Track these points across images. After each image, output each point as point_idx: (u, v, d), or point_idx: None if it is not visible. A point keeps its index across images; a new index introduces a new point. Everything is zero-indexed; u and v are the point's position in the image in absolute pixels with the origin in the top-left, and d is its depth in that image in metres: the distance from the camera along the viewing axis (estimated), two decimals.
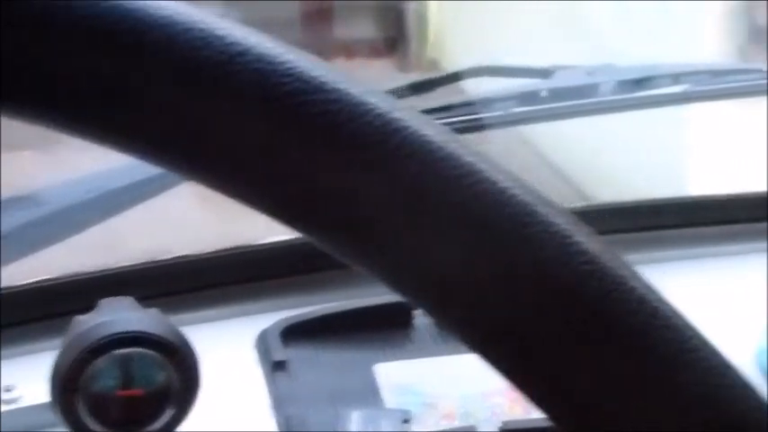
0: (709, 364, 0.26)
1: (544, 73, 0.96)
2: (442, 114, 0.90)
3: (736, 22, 2.20)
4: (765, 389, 1.01)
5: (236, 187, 0.27)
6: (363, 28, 3.38)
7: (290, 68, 0.26)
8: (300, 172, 0.26)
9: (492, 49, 2.81)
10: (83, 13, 0.25)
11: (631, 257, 0.98)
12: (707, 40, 2.25)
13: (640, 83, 0.93)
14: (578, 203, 2.36)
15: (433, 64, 3.18)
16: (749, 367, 0.89)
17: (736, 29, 2.19)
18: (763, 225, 1.04)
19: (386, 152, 0.26)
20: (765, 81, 0.96)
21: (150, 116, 0.26)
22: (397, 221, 0.26)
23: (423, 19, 3.28)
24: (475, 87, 1.00)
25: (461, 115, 0.90)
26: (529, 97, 0.92)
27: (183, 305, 0.89)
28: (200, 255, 0.91)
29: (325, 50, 3.15)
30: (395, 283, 0.27)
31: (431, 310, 0.27)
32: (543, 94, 0.92)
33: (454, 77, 1.00)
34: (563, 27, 2.59)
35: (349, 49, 3.19)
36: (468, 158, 0.26)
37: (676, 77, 0.94)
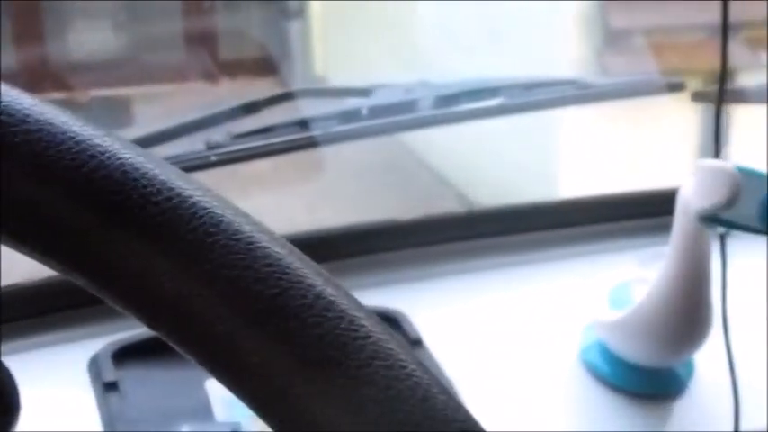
0: (379, 345, 0.29)
1: (364, 92, 0.99)
2: (267, 135, 0.93)
3: (591, 25, 2.27)
4: (589, 386, 1.04)
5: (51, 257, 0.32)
6: (247, 48, 3.39)
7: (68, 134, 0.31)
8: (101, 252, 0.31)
9: (371, 62, 2.84)
10: None
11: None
12: (564, 45, 2.31)
13: (457, 97, 0.97)
14: (458, 207, 2.41)
15: (320, 81, 3.21)
16: (574, 366, 0.92)
17: (592, 32, 2.25)
18: (585, 228, 1.07)
19: (140, 195, 0.31)
20: (579, 92, 1.00)
21: None
22: (154, 273, 0.31)
23: (306, 37, 3.30)
24: (300, 108, 1.03)
25: (284, 135, 0.93)
26: (350, 115, 0.95)
27: (14, 332, 0.91)
28: (31, 282, 0.92)
29: (210, 71, 3.15)
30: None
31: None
32: (364, 112, 0.95)
33: (279, 99, 1.02)
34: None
35: (233, 70, 3.20)
36: (195, 200, 0.31)
37: (492, 91, 0.98)
